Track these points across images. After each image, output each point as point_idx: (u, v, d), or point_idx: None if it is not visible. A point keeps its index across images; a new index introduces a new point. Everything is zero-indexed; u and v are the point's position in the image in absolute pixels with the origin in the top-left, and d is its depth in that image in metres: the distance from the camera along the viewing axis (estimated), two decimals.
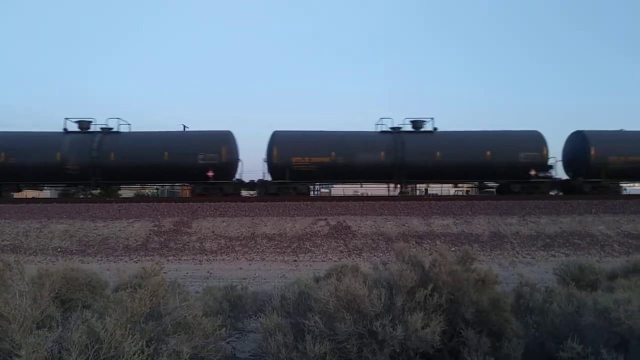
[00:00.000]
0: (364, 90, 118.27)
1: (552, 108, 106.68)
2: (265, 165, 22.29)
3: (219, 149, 21.57)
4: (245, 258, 13.97)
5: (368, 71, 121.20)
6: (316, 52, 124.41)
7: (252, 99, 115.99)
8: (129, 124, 22.95)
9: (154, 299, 3.65)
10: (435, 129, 22.67)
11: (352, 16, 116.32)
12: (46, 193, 28.57)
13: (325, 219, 16.76)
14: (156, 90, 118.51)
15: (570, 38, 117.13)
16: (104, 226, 16.47)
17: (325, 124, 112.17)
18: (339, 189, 31.75)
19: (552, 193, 22.64)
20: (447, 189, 30.96)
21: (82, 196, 22.71)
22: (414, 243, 14.62)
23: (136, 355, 3.01)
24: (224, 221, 16.76)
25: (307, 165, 21.39)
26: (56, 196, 25.18)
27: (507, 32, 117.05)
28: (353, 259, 13.53)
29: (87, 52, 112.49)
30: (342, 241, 15.06)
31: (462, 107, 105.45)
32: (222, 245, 14.97)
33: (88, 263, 13.37)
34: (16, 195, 23.56)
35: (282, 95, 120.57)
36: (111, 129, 22.59)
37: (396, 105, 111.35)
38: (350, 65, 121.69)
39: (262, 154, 22.54)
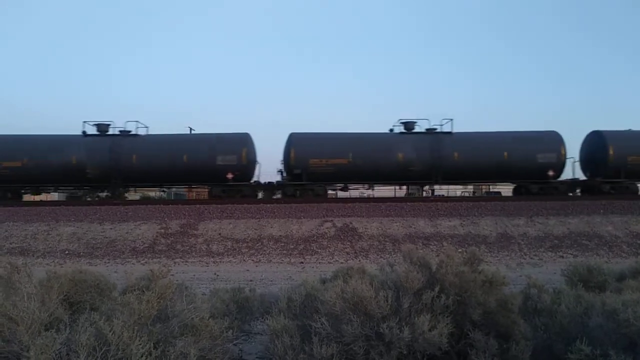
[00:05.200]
0: (381, 92, 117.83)
1: (564, 108, 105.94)
2: (283, 167, 22.36)
3: (239, 150, 21.66)
4: (252, 260, 14.00)
5: (383, 73, 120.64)
6: (335, 53, 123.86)
7: (266, 101, 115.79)
8: (146, 127, 23.11)
9: (161, 301, 3.67)
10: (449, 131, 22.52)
11: (366, 18, 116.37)
12: (54, 196, 28.76)
13: (332, 220, 16.75)
14: (169, 93, 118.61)
15: (582, 40, 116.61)
16: (111, 229, 16.56)
17: (342, 126, 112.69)
18: (352, 191, 31.60)
19: (570, 194, 22.42)
20: (454, 191, 30.72)
21: (89, 199, 22.82)
22: (420, 244, 14.59)
23: (144, 357, 3.02)
24: (230, 223, 16.80)
25: (324, 167, 21.37)
26: (64, 199, 25.34)
27: (520, 32, 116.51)
28: (360, 260, 13.51)
29: (101, 56, 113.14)
30: (348, 243, 15.05)
31: (477, 109, 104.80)
32: (229, 247, 15.01)
33: (96, 265, 13.44)
34: (24, 198, 23.70)
35: (297, 97, 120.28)
36: (129, 131, 22.71)
37: (412, 107, 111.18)
38: (367, 67, 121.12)
39: (277, 156, 22.61)
